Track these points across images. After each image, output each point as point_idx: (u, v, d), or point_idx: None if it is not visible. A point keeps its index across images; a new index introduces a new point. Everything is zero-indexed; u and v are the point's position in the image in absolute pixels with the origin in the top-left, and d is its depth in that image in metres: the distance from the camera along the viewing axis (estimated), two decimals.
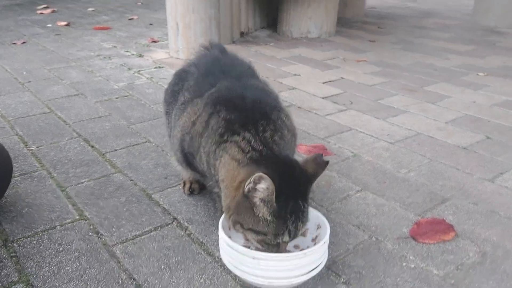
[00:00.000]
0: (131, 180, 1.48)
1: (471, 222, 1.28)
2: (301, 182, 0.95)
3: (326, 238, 0.98)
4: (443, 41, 3.64)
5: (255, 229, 0.93)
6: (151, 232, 1.22)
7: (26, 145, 1.71)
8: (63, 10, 4.95)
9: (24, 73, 2.65)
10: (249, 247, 0.99)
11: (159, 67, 2.84)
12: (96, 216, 1.29)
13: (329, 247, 1.13)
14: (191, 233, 1.22)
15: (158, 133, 1.83)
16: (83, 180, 1.47)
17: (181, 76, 1.33)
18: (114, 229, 1.23)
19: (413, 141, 1.80)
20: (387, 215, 1.31)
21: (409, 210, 1.33)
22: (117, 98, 2.25)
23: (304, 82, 2.57)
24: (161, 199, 1.37)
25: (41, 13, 4.77)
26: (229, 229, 1.05)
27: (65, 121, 1.95)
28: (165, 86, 1.45)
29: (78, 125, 1.91)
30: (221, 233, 1.00)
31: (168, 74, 2.60)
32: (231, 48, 2.68)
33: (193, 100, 1.17)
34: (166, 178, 1.50)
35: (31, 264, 1.09)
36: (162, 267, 1.09)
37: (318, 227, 1.07)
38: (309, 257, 0.94)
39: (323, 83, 2.55)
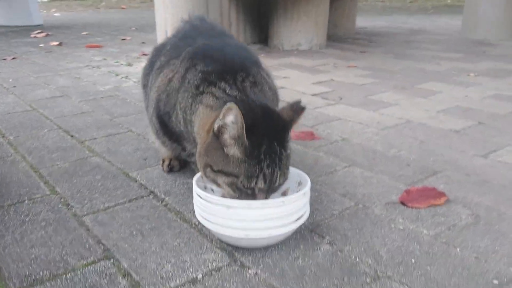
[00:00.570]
0: (108, 162, 1.41)
1: (463, 190, 1.21)
2: (278, 127, 0.89)
3: (306, 189, 0.91)
4: (434, 51, 3.64)
5: (225, 170, 0.85)
6: (125, 204, 1.15)
7: (3, 136, 1.66)
8: (58, 34, 4.98)
9: (11, 80, 2.62)
10: None
11: None
12: (68, 190, 1.22)
13: (312, 213, 1.06)
14: (168, 203, 1.15)
15: (141, 125, 1.78)
16: (58, 163, 1.41)
17: (158, 48, 1.29)
18: (86, 201, 1.16)
19: (404, 127, 1.74)
20: (375, 185, 1.24)
21: (399, 181, 1.26)
22: (102, 98, 2.21)
23: (295, 83, 2.53)
24: (139, 176, 1.31)
25: (35, 37, 4.80)
26: (205, 188, 0.99)
27: (46, 117, 1.90)
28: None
29: (60, 120, 1.85)
30: (194, 187, 0.93)
31: None
32: None
33: (169, 62, 1.13)
34: (145, 159, 1.43)
35: None
36: (134, 233, 1.01)
37: (299, 183, 1.00)
38: (288, 206, 0.87)
39: (313, 83, 2.51)
